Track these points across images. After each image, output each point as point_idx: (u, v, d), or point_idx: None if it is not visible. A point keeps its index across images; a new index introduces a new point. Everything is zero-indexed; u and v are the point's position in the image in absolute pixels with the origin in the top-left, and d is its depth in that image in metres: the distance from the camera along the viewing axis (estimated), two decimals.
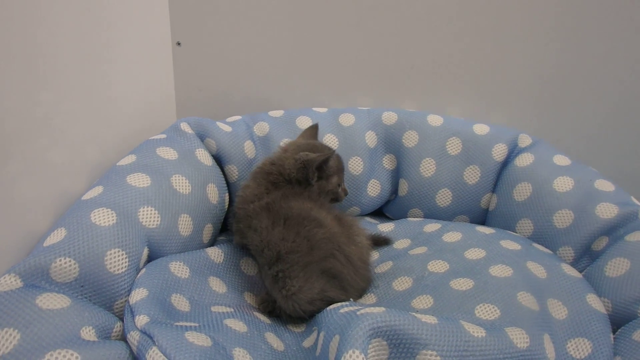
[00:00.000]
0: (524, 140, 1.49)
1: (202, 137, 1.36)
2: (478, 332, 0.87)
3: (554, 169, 1.39)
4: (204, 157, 1.32)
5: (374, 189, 1.53)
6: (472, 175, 1.48)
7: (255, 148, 1.44)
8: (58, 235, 1.00)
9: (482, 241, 1.26)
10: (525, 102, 1.65)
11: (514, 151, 1.48)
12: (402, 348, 0.82)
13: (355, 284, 1.12)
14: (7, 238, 1.01)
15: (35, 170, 1.06)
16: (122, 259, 1.02)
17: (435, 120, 1.53)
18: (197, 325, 0.96)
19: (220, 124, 1.40)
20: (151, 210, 1.12)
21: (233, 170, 1.37)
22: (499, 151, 1.47)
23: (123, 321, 0.96)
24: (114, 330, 0.95)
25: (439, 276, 1.14)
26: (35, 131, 1.05)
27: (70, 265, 0.95)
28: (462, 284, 1.08)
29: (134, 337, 0.87)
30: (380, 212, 1.64)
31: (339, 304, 1.04)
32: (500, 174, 1.48)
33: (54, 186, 1.13)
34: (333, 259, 1.06)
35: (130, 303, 0.96)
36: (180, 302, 1.04)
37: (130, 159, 1.21)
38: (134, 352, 0.86)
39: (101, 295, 0.99)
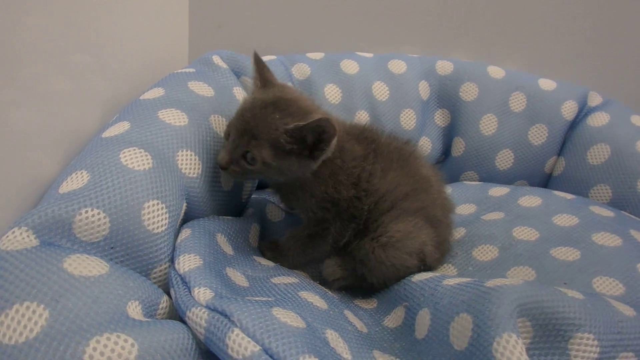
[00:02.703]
0: (594, 98, 1.31)
1: (237, 74, 1.10)
2: (627, 310, 0.70)
3: (634, 130, 1.22)
4: (243, 97, 1.06)
5: (424, 148, 1.32)
6: (538, 134, 1.29)
7: None
8: (79, 180, 0.74)
9: (569, 207, 1.09)
10: (594, 58, 1.46)
11: (583, 110, 1.30)
12: (549, 330, 0.65)
13: (446, 241, 0.98)
14: (2, 179, 0.74)
15: (31, 98, 0.79)
16: (162, 214, 0.78)
17: (496, 72, 1.32)
18: (272, 299, 0.72)
19: None
20: (190, 155, 0.87)
21: None
22: (569, 109, 1.29)
23: (169, 295, 0.72)
24: (160, 306, 0.71)
25: (531, 244, 0.97)
26: (30, 54, 0.78)
27: (98, 219, 0.70)
28: (566, 254, 0.92)
29: (198, 315, 0.63)
30: None
31: (431, 274, 0.87)
32: (570, 135, 1.29)
33: (55, 118, 0.86)
34: (434, 207, 0.95)
35: (180, 272, 0.72)
36: (236, 276, 0.80)
37: (157, 92, 0.95)
38: (198, 335, 0.63)
39: (136, 260, 0.74)
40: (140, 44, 1.17)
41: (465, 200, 1.20)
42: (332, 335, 0.70)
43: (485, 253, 0.98)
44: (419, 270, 0.91)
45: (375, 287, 0.91)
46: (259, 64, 0.92)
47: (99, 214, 0.70)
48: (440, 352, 0.70)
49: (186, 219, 0.88)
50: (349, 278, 0.92)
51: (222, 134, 0.94)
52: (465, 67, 1.32)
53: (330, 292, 0.88)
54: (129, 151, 0.79)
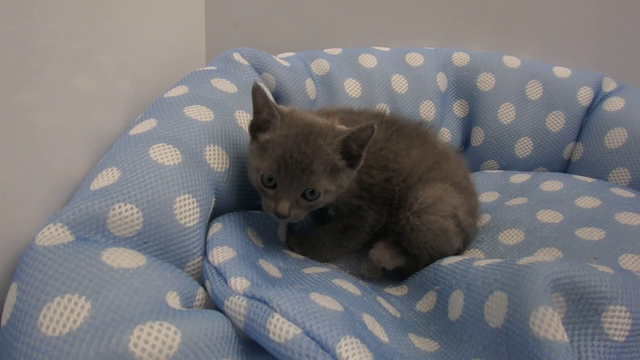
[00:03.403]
0: (608, 84, 1.29)
1: (258, 70, 1.09)
2: None
3: None
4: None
5: (444, 138, 1.30)
6: (555, 121, 1.27)
7: (316, 88, 1.18)
8: (110, 176, 0.73)
9: (590, 189, 1.07)
10: (607, 46, 1.44)
11: (598, 95, 1.28)
12: (583, 304, 0.64)
13: (476, 209, 0.98)
14: (33, 177, 0.73)
15: (56, 98, 0.78)
16: (194, 208, 0.77)
17: (512, 61, 1.31)
18: (307, 287, 0.71)
19: (276, 58, 1.14)
20: (218, 149, 0.86)
21: None
22: (585, 95, 1.27)
23: (204, 287, 0.71)
24: (197, 297, 0.69)
25: (556, 227, 0.96)
26: (54, 55, 0.76)
27: (132, 214, 0.69)
28: (590, 234, 0.91)
29: (237, 304, 0.62)
30: None
31: (460, 258, 0.86)
32: (586, 120, 1.27)
33: (81, 118, 0.86)
34: (457, 175, 0.95)
35: (215, 264, 0.71)
36: (270, 268, 0.79)
37: (181, 89, 0.94)
38: (237, 323, 0.61)
39: (170, 254, 0.73)
40: (158, 45, 1.16)
41: (487, 189, 1.18)
42: (368, 319, 0.69)
43: (512, 237, 0.96)
44: (458, 235, 0.91)
45: (423, 260, 0.90)
46: (265, 97, 0.79)
47: (132, 209, 0.69)
48: (476, 331, 0.68)
49: (215, 214, 0.86)
50: (397, 257, 0.91)
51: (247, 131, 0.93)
52: (481, 57, 1.31)
53: (361, 281, 0.87)
54: (158, 147, 0.78)
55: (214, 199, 0.84)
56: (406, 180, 0.89)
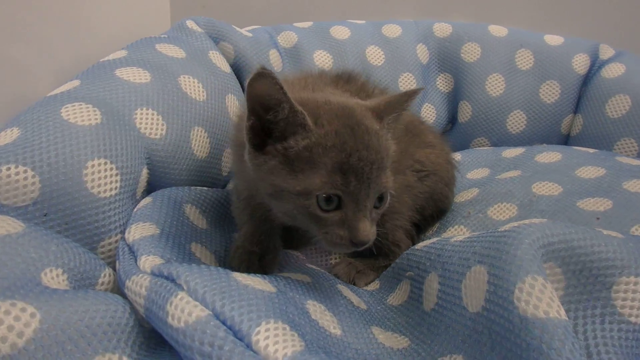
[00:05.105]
0: (606, 51, 1.12)
1: (215, 40, 0.94)
2: None
3: None
4: (220, 62, 0.90)
5: (429, 115, 1.13)
6: (550, 92, 1.10)
7: (282, 60, 1.02)
8: (7, 137, 0.58)
9: (593, 159, 0.90)
10: (601, 13, 1.27)
11: (595, 63, 1.11)
12: (586, 277, 0.47)
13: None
14: None
15: None
16: (112, 176, 0.61)
17: (498, 30, 1.14)
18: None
19: (237, 28, 0.98)
20: (153, 114, 0.71)
21: None
22: (581, 62, 1.10)
23: (115, 269, 0.55)
24: (100, 280, 0.53)
25: (554, 199, 0.78)
26: None
27: (24, 178, 0.53)
28: (595, 204, 0.74)
29: (139, 283, 0.46)
30: None
31: (436, 238, 0.66)
32: (584, 90, 1.10)
33: (10, 86, 0.70)
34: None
35: (129, 240, 0.55)
36: (205, 255, 0.62)
37: (119, 54, 0.79)
38: (138, 308, 0.45)
39: (78, 230, 0.57)
40: (120, 26, 1.01)
41: (477, 165, 1.01)
42: (315, 307, 0.52)
43: (503, 212, 0.79)
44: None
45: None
46: (281, 88, 0.50)
47: (25, 172, 0.54)
48: (454, 320, 0.51)
49: (152, 189, 0.70)
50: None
51: (194, 96, 0.77)
52: (464, 27, 1.14)
53: (322, 270, 0.69)
54: (73, 106, 0.63)
55: (146, 171, 0.68)
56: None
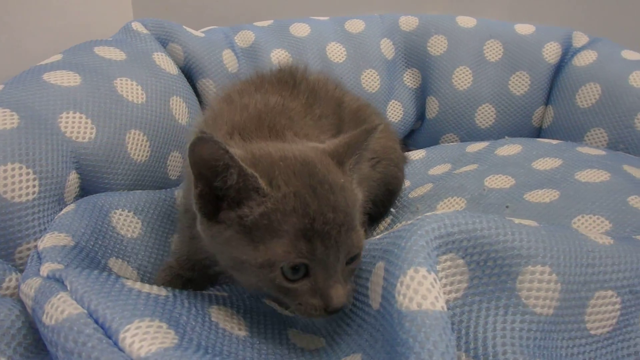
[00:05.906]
0: (579, 38, 1.08)
1: (163, 41, 0.93)
2: (602, 238, 0.51)
3: (625, 64, 1.00)
4: (166, 63, 0.89)
5: (395, 113, 1.10)
6: (519, 83, 1.07)
7: (238, 60, 1.01)
8: None
9: (553, 150, 0.88)
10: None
11: (569, 52, 1.07)
12: (491, 268, 0.45)
13: None
14: None
15: None
16: (28, 181, 0.60)
17: (466, 21, 1.11)
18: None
19: (188, 29, 0.97)
20: (80, 117, 0.70)
21: (208, 86, 0.94)
22: (552, 51, 1.06)
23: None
24: (4, 285, 0.52)
25: (504, 192, 0.77)
26: None
27: None
28: (542, 196, 0.73)
29: (30, 285, 0.45)
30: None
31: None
32: (555, 80, 1.06)
33: None
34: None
35: (39, 248, 0.54)
36: (126, 271, 0.61)
37: (54, 58, 0.79)
38: (29, 310, 0.44)
39: None
40: (81, 29, 1.01)
41: (440, 161, 0.98)
42: (219, 311, 0.51)
43: (451, 206, 0.77)
44: None
45: None
46: (227, 152, 0.45)
47: None
48: (363, 318, 0.50)
49: (87, 194, 0.69)
50: None
51: (130, 99, 0.76)
52: (431, 19, 1.11)
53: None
54: None
55: (75, 175, 0.67)
56: None
